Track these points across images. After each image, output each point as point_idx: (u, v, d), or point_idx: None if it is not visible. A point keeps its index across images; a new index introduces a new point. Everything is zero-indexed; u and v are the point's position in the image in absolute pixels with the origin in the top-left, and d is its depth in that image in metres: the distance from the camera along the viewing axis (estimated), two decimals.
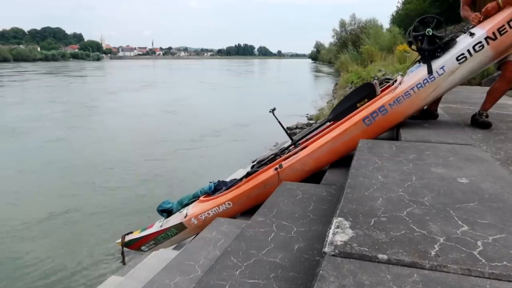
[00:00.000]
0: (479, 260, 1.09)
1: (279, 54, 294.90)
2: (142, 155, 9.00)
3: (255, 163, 3.40)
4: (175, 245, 3.46)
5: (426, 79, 2.68)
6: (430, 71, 2.66)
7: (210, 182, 3.45)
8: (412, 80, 2.74)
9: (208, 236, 2.36)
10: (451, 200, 1.52)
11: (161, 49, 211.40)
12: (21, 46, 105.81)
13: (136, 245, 3.51)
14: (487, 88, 3.08)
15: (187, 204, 3.41)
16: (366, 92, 3.03)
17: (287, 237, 1.80)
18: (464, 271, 1.05)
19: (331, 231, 1.28)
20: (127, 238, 3.54)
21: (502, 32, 2.54)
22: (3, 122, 13.31)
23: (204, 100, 20.17)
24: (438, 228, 1.28)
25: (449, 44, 2.70)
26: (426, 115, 3.19)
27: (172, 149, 9.60)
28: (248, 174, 3.13)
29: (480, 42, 2.57)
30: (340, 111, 3.09)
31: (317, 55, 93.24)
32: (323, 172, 2.91)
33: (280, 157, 3.06)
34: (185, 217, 3.19)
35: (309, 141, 3.07)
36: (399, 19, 27.84)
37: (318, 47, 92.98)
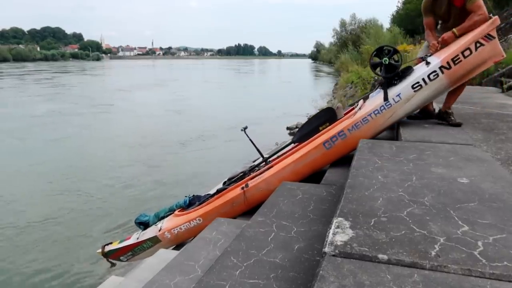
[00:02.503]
0: (479, 260, 1.09)
1: (279, 54, 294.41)
2: (144, 157, 9.00)
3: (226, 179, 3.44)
4: (175, 245, 3.46)
5: (383, 105, 2.76)
6: (385, 98, 2.75)
7: (186, 196, 3.48)
8: (370, 106, 2.82)
9: (208, 236, 2.36)
10: (451, 200, 1.52)
11: (161, 49, 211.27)
12: (20, 46, 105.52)
13: (115, 255, 3.56)
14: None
15: (163, 217, 3.44)
16: (327, 116, 3.12)
17: (287, 237, 1.80)
18: (465, 271, 1.05)
19: (331, 231, 1.27)
20: (107, 248, 3.58)
21: (456, 62, 2.62)
22: (35, 116, 13.86)
23: (209, 99, 20.35)
24: (438, 228, 1.28)
25: (406, 72, 2.79)
26: (425, 114, 3.20)
27: (173, 150, 9.61)
28: (218, 191, 3.16)
29: (435, 71, 2.66)
30: (304, 133, 3.16)
31: (317, 55, 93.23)
32: (323, 172, 2.91)
33: (249, 175, 3.10)
34: (160, 230, 3.24)
35: (274, 162, 3.13)
36: (399, 19, 27.86)
37: (318, 47, 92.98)
